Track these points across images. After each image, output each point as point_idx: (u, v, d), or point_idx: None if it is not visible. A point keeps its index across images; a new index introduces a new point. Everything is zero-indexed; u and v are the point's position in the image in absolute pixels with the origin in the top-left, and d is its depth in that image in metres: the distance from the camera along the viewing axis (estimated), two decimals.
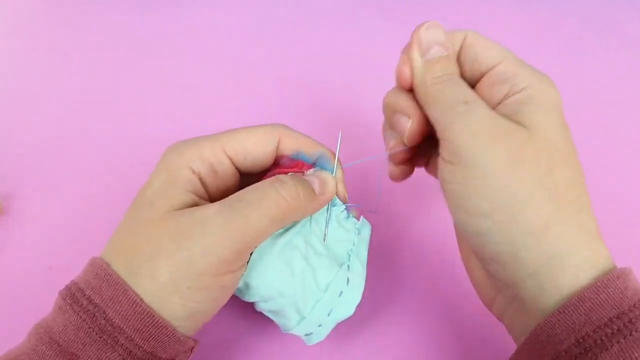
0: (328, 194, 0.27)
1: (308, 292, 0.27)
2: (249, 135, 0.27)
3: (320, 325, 0.28)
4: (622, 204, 0.41)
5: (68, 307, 0.23)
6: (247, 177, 0.28)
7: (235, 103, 0.49)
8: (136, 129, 0.46)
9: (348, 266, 0.28)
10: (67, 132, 0.46)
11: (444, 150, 0.24)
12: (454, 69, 0.26)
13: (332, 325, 0.28)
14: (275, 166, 0.28)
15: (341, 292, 0.28)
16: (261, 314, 0.29)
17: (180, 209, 0.24)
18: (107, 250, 0.25)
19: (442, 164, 0.25)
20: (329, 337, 0.28)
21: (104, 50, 0.56)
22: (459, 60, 0.27)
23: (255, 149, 0.27)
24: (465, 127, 0.23)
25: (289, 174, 0.27)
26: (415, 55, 0.27)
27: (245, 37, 0.58)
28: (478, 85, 0.27)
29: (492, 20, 0.60)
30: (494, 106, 0.25)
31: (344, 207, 0.29)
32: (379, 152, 0.43)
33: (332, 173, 0.28)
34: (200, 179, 0.26)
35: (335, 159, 0.29)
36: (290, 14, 0.61)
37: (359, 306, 0.28)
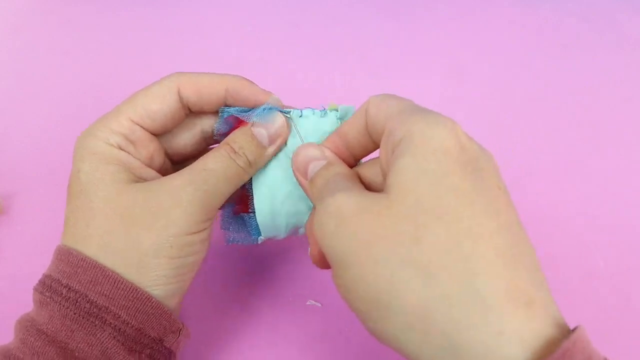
0: (280, 139, 0.28)
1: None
2: (147, 96, 0.27)
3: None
4: (624, 204, 0.41)
5: (48, 299, 0.23)
6: (164, 138, 0.29)
7: None
8: None
9: None
10: (67, 131, 0.46)
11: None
12: (333, 170, 0.24)
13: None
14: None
15: None
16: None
17: (129, 184, 0.25)
18: (69, 239, 0.25)
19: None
20: None
21: (104, 50, 0.56)
22: (370, 136, 0.25)
23: (158, 108, 0.27)
24: (320, 218, 0.21)
25: (235, 132, 0.27)
26: (301, 181, 0.26)
27: (245, 37, 0.58)
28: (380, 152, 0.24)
29: (492, 20, 0.60)
30: (389, 171, 0.21)
31: (310, 110, 0.29)
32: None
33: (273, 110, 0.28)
34: (123, 150, 0.26)
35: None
36: (289, 13, 0.61)
37: None
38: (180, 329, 0.26)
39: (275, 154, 0.28)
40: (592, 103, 0.50)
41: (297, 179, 0.27)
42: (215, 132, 0.29)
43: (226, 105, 0.28)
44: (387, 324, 0.19)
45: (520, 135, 0.46)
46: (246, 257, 0.37)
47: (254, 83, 0.29)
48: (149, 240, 0.24)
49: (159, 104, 0.27)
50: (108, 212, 0.24)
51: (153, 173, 0.27)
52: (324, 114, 0.28)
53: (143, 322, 0.24)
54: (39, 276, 0.25)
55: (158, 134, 0.28)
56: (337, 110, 0.29)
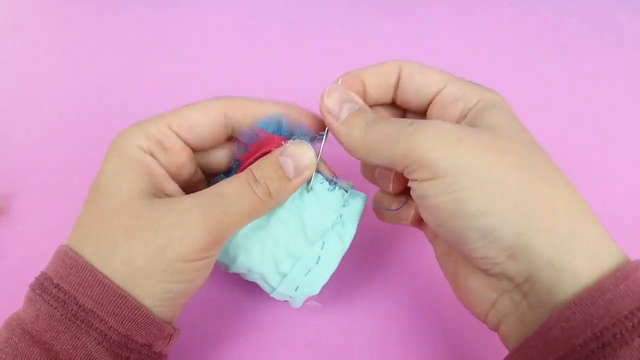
0: (308, 172, 0.26)
1: (277, 268, 0.28)
2: (192, 109, 0.27)
3: (290, 297, 0.29)
4: (626, 203, 0.41)
5: (38, 297, 0.23)
6: (205, 154, 0.29)
7: None
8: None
9: (323, 243, 0.28)
10: (67, 131, 0.46)
11: (415, 172, 0.23)
12: (373, 114, 0.26)
13: (302, 298, 0.29)
14: (247, 151, 0.27)
15: (309, 270, 0.27)
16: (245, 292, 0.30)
17: (144, 194, 0.24)
18: (73, 240, 0.25)
19: (418, 185, 0.24)
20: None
21: (105, 50, 0.56)
22: (400, 92, 0.28)
23: (199, 120, 0.27)
24: (427, 139, 0.23)
25: (260, 160, 0.26)
26: (332, 122, 0.26)
27: (245, 36, 0.58)
28: (428, 110, 0.28)
29: (492, 20, 0.60)
30: (479, 119, 0.26)
31: (323, 177, 0.28)
32: None
33: (309, 141, 0.27)
34: (152, 155, 0.26)
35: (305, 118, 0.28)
36: (289, 13, 0.61)
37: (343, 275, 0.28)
38: (172, 334, 0.25)
39: (299, 188, 0.27)
40: (593, 103, 0.50)
41: (325, 119, 0.26)
42: (240, 136, 0.27)
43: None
44: (515, 214, 0.22)
45: None
46: None
47: (302, 108, 0.28)
48: (144, 258, 0.23)
49: (201, 116, 0.27)
50: (114, 221, 0.24)
51: (175, 188, 0.27)
52: (333, 188, 0.28)
53: (130, 329, 0.23)
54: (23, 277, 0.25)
55: (195, 148, 0.28)
56: (347, 192, 0.28)
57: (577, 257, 0.21)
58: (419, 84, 0.27)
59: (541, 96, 0.50)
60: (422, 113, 0.29)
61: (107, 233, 0.24)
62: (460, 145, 0.23)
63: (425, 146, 0.23)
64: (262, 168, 0.25)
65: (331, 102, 0.26)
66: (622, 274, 0.20)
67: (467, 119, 0.26)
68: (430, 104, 0.28)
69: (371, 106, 0.28)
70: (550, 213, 0.22)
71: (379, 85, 0.28)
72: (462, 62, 0.54)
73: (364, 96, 0.28)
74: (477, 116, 0.25)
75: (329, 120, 0.26)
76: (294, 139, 0.27)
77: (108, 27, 0.59)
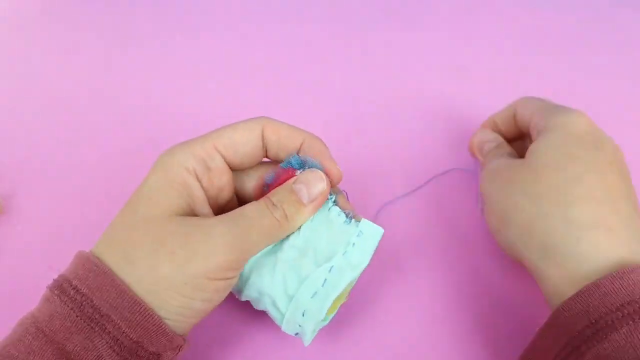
0: (321, 197, 0.28)
1: (285, 290, 0.27)
2: (235, 129, 0.28)
3: (300, 325, 0.28)
4: None
5: (55, 297, 0.24)
6: (240, 175, 0.30)
7: (235, 106, 0.49)
8: (137, 129, 0.46)
9: (331, 267, 0.27)
10: (67, 132, 0.46)
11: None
12: (499, 150, 0.36)
13: (311, 327, 0.28)
14: (266, 184, 0.29)
15: (315, 292, 0.27)
16: (257, 316, 0.29)
17: (178, 213, 0.26)
18: (99, 244, 0.26)
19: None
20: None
21: (105, 50, 0.56)
22: (517, 124, 0.37)
23: (242, 140, 0.28)
24: (484, 174, 0.34)
25: (277, 188, 0.28)
26: (477, 154, 0.38)
27: (244, 37, 0.58)
28: (528, 138, 0.35)
29: (493, 20, 0.60)
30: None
31: (340, 210, 0.29)
32: (374, 153, 0.43)
33: (321, 168, 0.28)
34: (196, 176, 0.27)
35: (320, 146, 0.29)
36: (292, 14, 0.61)
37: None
38: (181, 346, 0.26)
39: (314, 213, 0.28)
40: (594, 103, 0.50)
41: (474, 155, 0.38)
42: (264, 182, 0.29)
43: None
44: (508, 234, 0.30)
45: None
46: None
47: (326, 147, 0.30)
48: (167, 268, 0.24)
49: (244, 137, 0.28)
50: (144, 231, 0.25)
51: (210, 213, 0.28)
52: (348, 221, 0.28)
53: (142, 336, 0.24)
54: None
55: (236, 168, 0.29)
56: (360, 230, 0.28)
57: (583, 264, 0.26)
58: (522, 115, 0.35)
59: (542, 96, 0.50)
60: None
61: (135, 241, 0.25)
62: (492, 179, 0.32)
63: (482, 178, 0.34)
64: (278, 194, 0.27)
65: (478, 140, 0.38)
66: (618, 274, 0.24)
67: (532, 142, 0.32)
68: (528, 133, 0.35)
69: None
70: (535, 229, 0.28)
71: (506, 124, 0.38)
72: (463, 61, 0.54)
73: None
74: (535, 141, 0.31)
75: (475, 152, 0.38)
76: (308, 167, 0.28)
77: (110, 27, 0.59)
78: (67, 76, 0.53)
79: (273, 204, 0.27)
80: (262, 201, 0.27)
